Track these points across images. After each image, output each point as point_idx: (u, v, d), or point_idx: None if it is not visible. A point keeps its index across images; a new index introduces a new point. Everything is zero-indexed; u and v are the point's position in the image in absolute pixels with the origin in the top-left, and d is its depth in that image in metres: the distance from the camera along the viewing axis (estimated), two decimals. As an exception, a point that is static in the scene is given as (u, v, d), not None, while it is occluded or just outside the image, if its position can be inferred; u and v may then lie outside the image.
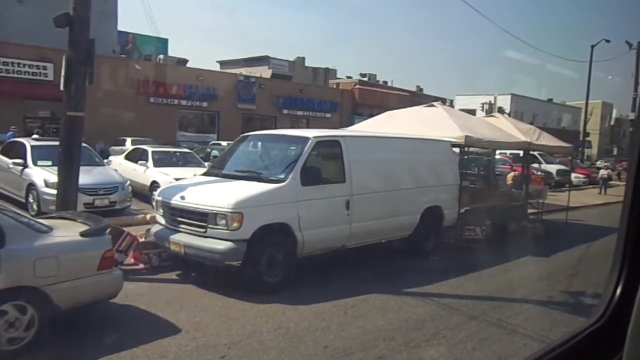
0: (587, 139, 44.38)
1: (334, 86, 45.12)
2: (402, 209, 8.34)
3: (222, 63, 48.34)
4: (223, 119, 30.88)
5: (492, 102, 50.90)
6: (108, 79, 22.98)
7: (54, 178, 8.68)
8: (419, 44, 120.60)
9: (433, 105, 12.06)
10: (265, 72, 39.86)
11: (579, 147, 37.72)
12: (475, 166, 14.46)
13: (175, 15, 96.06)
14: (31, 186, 10.62)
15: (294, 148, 7.49)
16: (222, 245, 6.24)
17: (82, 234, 4.92)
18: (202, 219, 6.50)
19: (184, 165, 13.32)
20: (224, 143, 20.71)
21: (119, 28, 31.92)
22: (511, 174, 14.30)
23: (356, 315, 5.87)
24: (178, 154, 14.72)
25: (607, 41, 35.36)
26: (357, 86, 42.26)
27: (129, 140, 20.65)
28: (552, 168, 23.69)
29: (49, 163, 10.41)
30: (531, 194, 12.96)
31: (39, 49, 22.32)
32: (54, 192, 8.07)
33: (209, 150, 19.58)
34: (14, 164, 11.22)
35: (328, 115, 35.98)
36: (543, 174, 20.12)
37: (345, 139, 7.80)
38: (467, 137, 9.76)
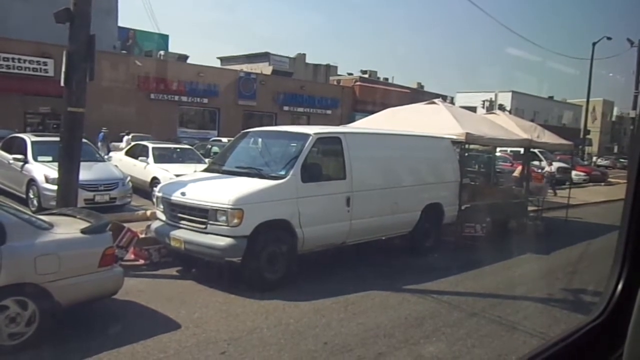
0: (588, 136, 44.33)
1: (335, 83, 44.94)
2: (403, 206, 8.34)
3: (223, 59, 48.21)
4: (223, 116, 30.86)
5: (493, 99, 50.84)
6: (109, 75, 22.97)
7: (54, 174, 8.68)
8: (420, 41, 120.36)
9: (434, 103, 12.06)
10: (265, 68, 39.77)
11: (579, 145, 37.70)
12: (476, 163, 14.46)
13: (176, 11, 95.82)
14: (32, 182, 10.62)
15: (295, 144, 7.48)
16: (222, 242, 6.25)
17: (83, 231, 4.93)
18: (202, 215, 6.50)
19: (184, 161, 13.31)
20: (224, 139, 20.73)
21: (120, 24, 31.93)
22: (519, 168, 14.35)
23: (356, 311, 5.88)
24: (178, 150, 14.73)
25: (609, 38, 35.34)
26: (358, 83, 42.13)
27: (130, 137, 20.67)
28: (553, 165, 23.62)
29: (50, 159, 10.41)
30: (531, 191, 12.96)
31: (39, 44, 22.30)
32: (55, 187, 8.08)
33: (210, 146, 19.58)
34: (15, 159, 11.22)
35: (329, 112, 35.95)
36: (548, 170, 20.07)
37: (345, 135, 7.79)
38: (467, 134, 9.76)
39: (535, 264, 8.96)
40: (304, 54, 49.49)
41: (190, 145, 17.64)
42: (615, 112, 75.74)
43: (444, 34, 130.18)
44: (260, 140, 8.50)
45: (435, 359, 4.90)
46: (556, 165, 23.40)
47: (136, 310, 5.58)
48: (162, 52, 32.88)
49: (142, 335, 4.81)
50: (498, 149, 15.64)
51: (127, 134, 20.68)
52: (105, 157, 14.60)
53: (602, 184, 26.31)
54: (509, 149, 19.84)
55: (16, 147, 11.68)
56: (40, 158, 10.89)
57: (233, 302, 5.97)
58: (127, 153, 14.67)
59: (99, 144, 20.35)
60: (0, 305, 4.29)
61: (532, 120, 20.39)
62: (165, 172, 11.90)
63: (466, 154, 11.53)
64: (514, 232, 11.30)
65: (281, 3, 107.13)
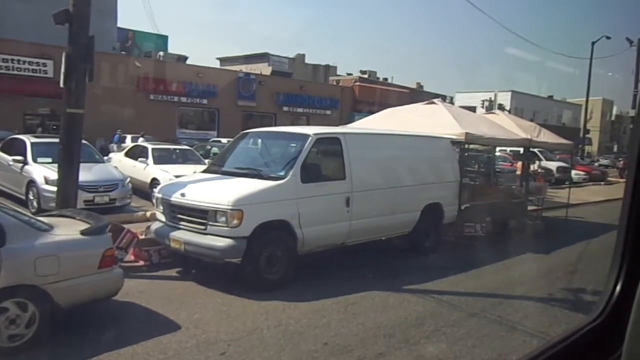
0: (588, 135, 44.37)
1: (334, 83, 45.01)
2: (402, 206, 8.34)
3: (222, 60, 48.28)
4: (223, 116, 30.86)
5: (493, 99, 50.85)
6: (108, 76, 22.97)
7: (54, 175, 8.68)
8: (420, 41, 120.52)
9: (433, 102, 12.06)
10: (265, 69, 39.81)
11: (579, 144, 37.71)
12: (476, 163, 14.45)
13: (175, 12, 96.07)
14: (31, 183, 10.62)
15: (294, 145, 7.48)
16: (222, 242, 6.24)
17: (83, 233, 4.92)
18: (202, 216, 6.50)
19: (184, 162, 13.32)
20: (224, 140, 20.73)
21: (119, 25, 31.98)
22: (520, 163, 14.37)
23: (356, 312, 5.88)
24: (178, 151, 14.72)
25: (608, 38, 35.46)
26: (357, 83, 42.17)
27: (129, 137, 20.71)
28: (552, 165, 23.66)
29: (49, 160, 10.41)
30: (531, 190, 12.97)
31: (38, 45, 22.30)
32: (54, 189, 8.07)
33: (209, 147, 19.60)
34: (14, 160, 11.23)
35: (328, 112, 35.96)
36: (543, 171, 20.10)
37: (345, 136, 7.79)
38: (467, 134, 9.76)
39: (535, 264, 8.96)
40: (304, 54, 49.65)
41: (190, 146, 17.65)
42: (615, 111, 75.82)
43: (443, 34, 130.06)
44: (259, 140, 8.50)
45: (436, 359, 4.90)
46: (540, 164, 23.40)
47: (136, 311, 5.58)
48: (161, 53, 32.94)
49: (142, 337, 4.81)
50: (498, 149, 15.64)
51: (142, 136, 20.52)
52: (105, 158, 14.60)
53: (602, 183, 26.31)
54: (508, 149, 19.85)
55: (16, 148, 11.69)
56: (39, 159, 10.89)
57: (233, 303, 5.96)
58: (127, 154, 14.67)
59: (114, 145, 20.41)
60: (0, 307, 4.28)
61: (531, 120, 20.41)
62: (165, 173, 11.90)
63: (466, 154, 11.53)
64: (514, 232, 11.31)
65: (281, 3, 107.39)
